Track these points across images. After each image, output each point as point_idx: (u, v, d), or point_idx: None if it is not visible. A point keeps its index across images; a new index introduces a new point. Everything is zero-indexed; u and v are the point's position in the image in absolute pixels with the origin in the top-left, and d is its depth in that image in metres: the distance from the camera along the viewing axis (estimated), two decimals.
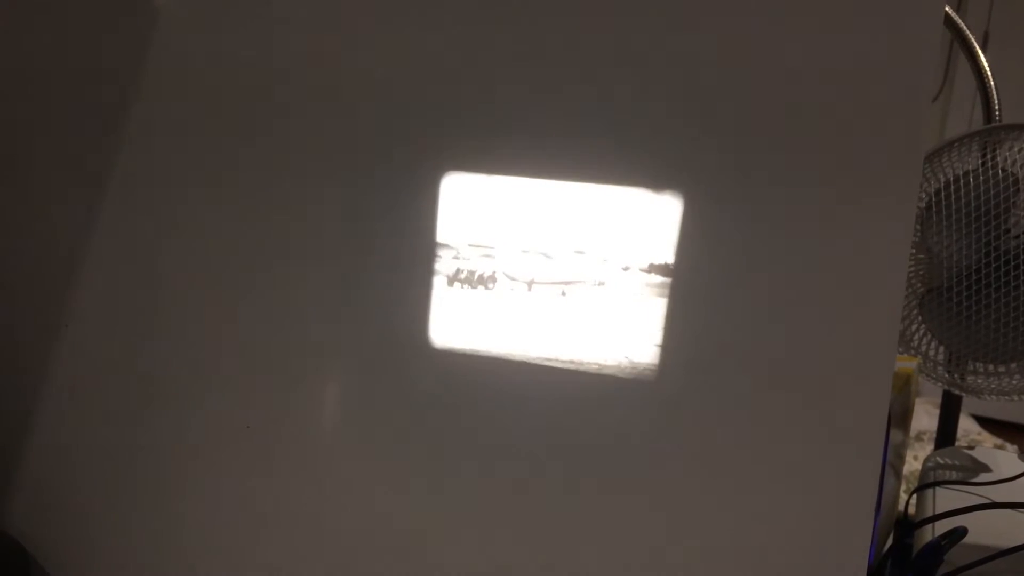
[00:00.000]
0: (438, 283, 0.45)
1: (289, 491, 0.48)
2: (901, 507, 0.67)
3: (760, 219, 0.41)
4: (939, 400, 0.81)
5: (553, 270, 0.43)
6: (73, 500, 0.53)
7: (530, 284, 0.43)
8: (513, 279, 0.43)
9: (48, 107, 0.52)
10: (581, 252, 0.43)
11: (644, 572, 0.42)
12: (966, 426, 1.77)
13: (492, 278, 0.43)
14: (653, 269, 0.42)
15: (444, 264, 0.45)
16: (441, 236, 0.45)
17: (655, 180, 0.42)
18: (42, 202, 0.53)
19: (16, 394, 0.53)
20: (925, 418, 1.57)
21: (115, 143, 0.50)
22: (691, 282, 0.41)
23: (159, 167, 0.50)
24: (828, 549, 0.39)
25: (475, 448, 0.45)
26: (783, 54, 0.40)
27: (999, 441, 1.69)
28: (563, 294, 0.43)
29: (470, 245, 0.44)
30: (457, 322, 0.45)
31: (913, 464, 1.36)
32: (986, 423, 1.83)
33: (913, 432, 1.54)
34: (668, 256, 0.42)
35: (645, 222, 0.42)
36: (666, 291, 0.42)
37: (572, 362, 0.43)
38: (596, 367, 0.43)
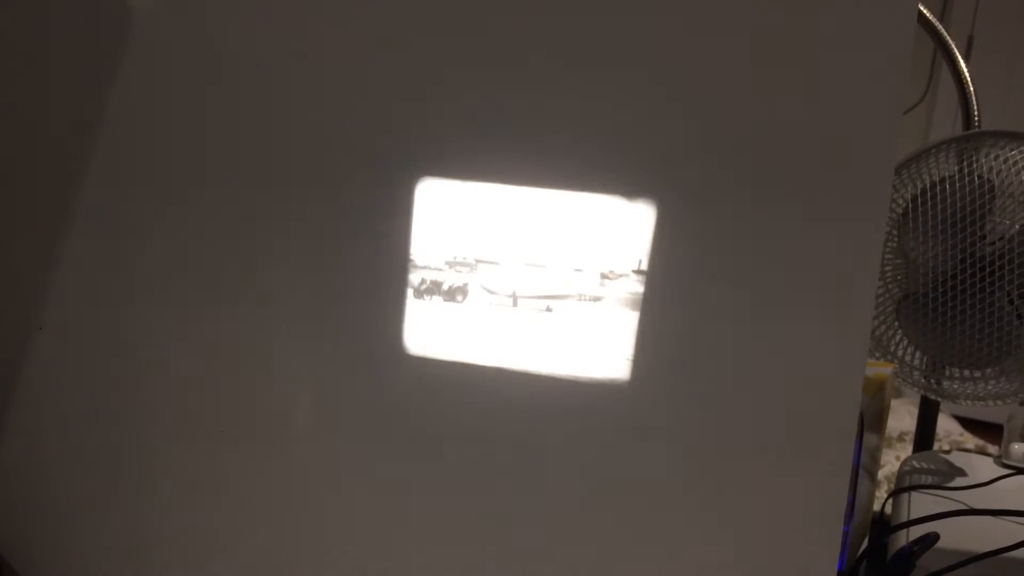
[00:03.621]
0: (406, 294, 0.44)
1: (264, 494, 0.48)
2: (878, 508, 0.67)
3: (736, 229, 0.40)
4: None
5: (537, 283, 0.42)
6: (45, 501, 0.52)
7: (514, 298, 0.42)
8: (492, 292, 0.42)
9: (18, 106, 0.52)
10: (565, 263, 0.43)
11: None
12: (948, 427, 1.78)
13: (463, 290, 0.43)
14: (629, 280, 0.42)
15: (413, 275, 0.44)
16: (413, 247, 0.44)
17: (632, 190, 0.42)
18: (16, 203, 0.52)
19: None
20: (907, 419, 1.58)
21: (89, 146, 0.50)
22: (665, 292, 0.41)
23: (133, 172, 0.49)
24: (796, 555, 0.39)
25: (448, 454, 0.45)
26: (760, 62, 0.40)
27: (981, 442, 1.70)
28: (548, 309, 0.42)
29: (444, 258, 0.44)
30: (423, 334, 0.44)
31: (894, 465, 1.37)
32: (968, 424, 1.84)
33: (895, 432, 1.55)
34: (643, 266, 0.41)
35: (622, 232, 0.42)
36: (640, 301, 0.42)
37: (546, 373, 0.43)
38: (567, 377, 0.43)
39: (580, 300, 0.42)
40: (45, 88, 0.51)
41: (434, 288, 0.43)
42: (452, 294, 0.43)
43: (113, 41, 0.49)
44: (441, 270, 0.43)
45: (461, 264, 0.43)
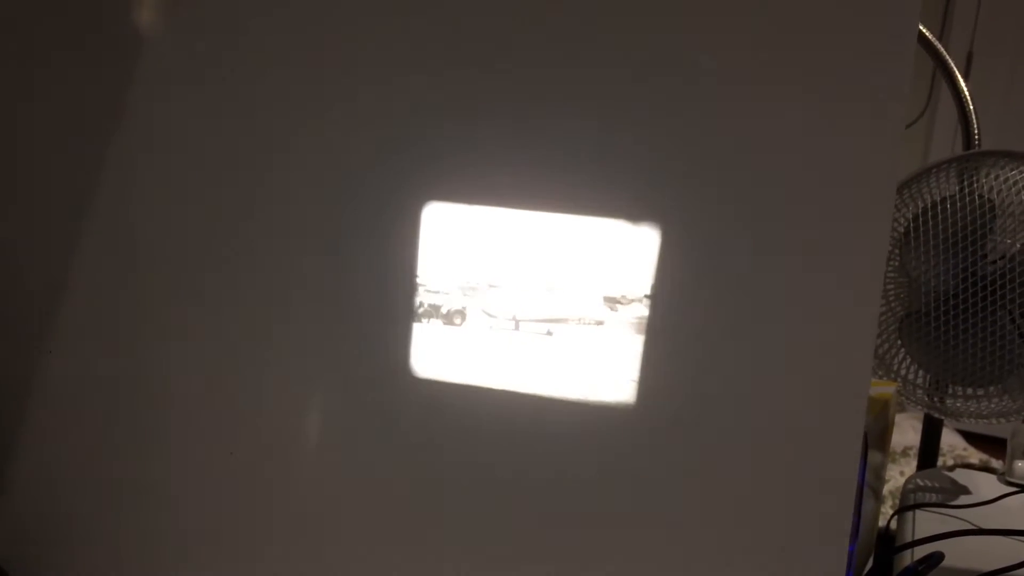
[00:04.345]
0: (408, 318, 0.44)
1: (268, 510, 0.48)
2: (883, 523, 0.67)
3: (737, 251, 0.41)
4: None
5: (538, 306, 0.42)
6: (53, 520, 0.52)
7: (515, 322, 0.43)
8: (492, 316, 0.43)
9: (22, 124, 0.52)
10: (562, 287, 0.43)
11: None
12: (952, 442, 1.77)
13: (461, 313, 0.43)
14: (637, 305, 0.42)
15: (414, 299, 0.44)
16: (413, 270, 0.45)
17: (631, 212, 0.42)
18: (25, 227, 0.52)
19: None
20: (910, 433, 1.57)
21: (95, 164, 0.50)
22: (667, 313, 0.42)
23: (139, 193, 0.50)
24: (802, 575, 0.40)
25: (450, 475, 0.45)
26: (761, 80, 0.40)
27: (985, 457, 1.69)
28: (549, 333, 0.42)
29: (443, 280, 0.44)
30: (422, 357, 0.44)
31: (899, 480, 1.36)
32: (972, 439, 1.83)
33: (899, 447, 1.54)
34: (646, 291, 0.42)
35: (623, 257, 0.42)
36: (643, 324, 0.42)
37: (549, 396, 0.43)
38: (571, 399, 0.43)
39: (581, 324, 0.42)
40: (50, 109, 0.51)
41: (432, 311, 0.43)
42: (450, 317, 0.43)
43: (120, 61, 0.49)
44: (448, 293, 0.43)
45: (467, 288, 0.43)
